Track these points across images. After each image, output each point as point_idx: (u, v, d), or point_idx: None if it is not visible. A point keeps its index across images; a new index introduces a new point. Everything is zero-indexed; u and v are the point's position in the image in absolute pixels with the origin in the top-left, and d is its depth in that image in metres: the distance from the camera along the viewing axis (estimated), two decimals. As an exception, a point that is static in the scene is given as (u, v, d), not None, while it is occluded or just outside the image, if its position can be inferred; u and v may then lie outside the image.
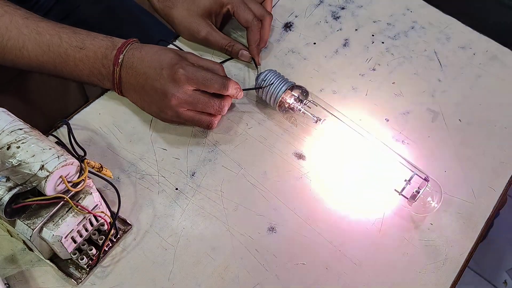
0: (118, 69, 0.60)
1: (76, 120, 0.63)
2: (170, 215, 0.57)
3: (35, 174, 0.45)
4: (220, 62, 0.69)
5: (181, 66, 0.58)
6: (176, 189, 0.59)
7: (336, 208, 0.60)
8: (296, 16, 0.77)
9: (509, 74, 0.74)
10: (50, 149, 0.47)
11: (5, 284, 0.49)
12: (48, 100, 1.26)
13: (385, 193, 0.61)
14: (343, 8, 0.79)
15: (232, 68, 0.70)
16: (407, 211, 0.60)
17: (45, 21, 0.60)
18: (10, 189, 0.45)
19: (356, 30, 0.76)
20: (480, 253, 1.52)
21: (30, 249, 0.52)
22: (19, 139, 0.47)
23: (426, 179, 0.59)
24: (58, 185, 0.47)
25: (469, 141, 0.67)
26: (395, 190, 0.59)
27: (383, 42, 0.75)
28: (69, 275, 0.52)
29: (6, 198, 0.44)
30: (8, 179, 0.45)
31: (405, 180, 0.59)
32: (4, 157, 0.46)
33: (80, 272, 0.52)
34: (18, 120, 0.49)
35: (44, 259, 0.51)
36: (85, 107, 0.64)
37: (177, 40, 0.71)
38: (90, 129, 0.62)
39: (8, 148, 0.46)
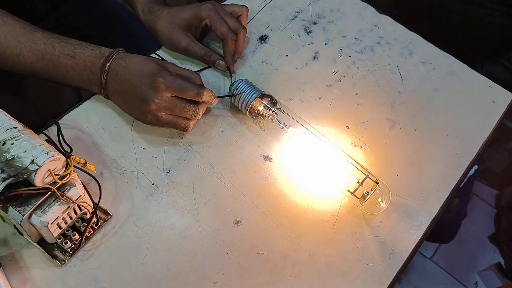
0: (105, 76, 0.67)
1: (65, 120, 0.70)
2: (146, 207, 0.64)
3: (26, 167, 0.52)
4: (198, 71, 0.76)
5: (161, 75, 0.64)
6: (153, 184, 0.66)
7: (297, 205, 0.67)
8: (271, 30, 0.84)
9: (464, 88, 0.82)
10: (40, 145, 0.54)
11: (-2, 263, 0.56)
12: (43, 99, 1.33)
13: (341, 193, 0.68)
14: (315, 23, 0.86)
15: (210, 76, 0.77)
16: (359, 209, 0.67)
17: (40, 31, 0.66)
18: (4, 179, 0.52)
19: (326, 44, 0.83)
20: (452, 255, 1.60)
21: (21, 234, 0.59)
22: (13, 136, 0.54)
23: (376, 182, 0.66)
24: (46, 177, 0.54)
25: (422, 148, 0.74)
26: (348, 190, 0.66)
27: (350, 56, 0.82)
28: (54, 257, 0.59)
29: (1, 187, 0.51)
30: (2, 171, 0.52)
31: (358, 182, 0.66)
32: (-1, 151, 0.53)
33: (64, 255, 0.59)
34: (13, 119, 0.56)
35: (33, 243, 0.58)
36: (74, 108, 0.71)
37: (160, 50, 0.78)
38: (78, 128, 0.69)
39: (3, 144, 0.53)
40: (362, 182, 0.66)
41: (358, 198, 0.65)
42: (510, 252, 1.59)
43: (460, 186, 1.18)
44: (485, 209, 1.72)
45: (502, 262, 1.60)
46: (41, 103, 1.33)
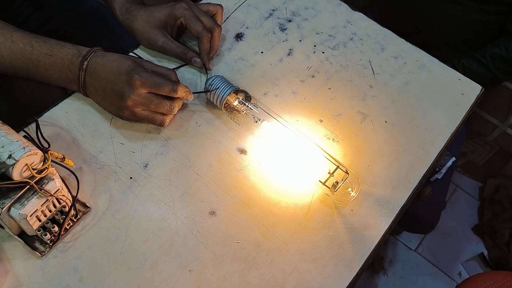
0: (83, 74, 0.69)
1: (46, 118, 0.72)
2: (124, 200, 0.66)
3: (4, 162, 0.54)
4: (175, 68, 0.79)
5: (136, 72, 0.67)
6: (131, 178, 0.68)
7: (270, 195, 0.69)
8: (247, 28, 0.86)
9: (434, 81, 0.84)
10: (17, 141, 0.56)
11: (-21, 255, 0.58)
12: (30, 99, 1.35)
13: (313, 183, 0.70)
14: (290, 21, 0.88)
15: (187, 73, 0.79)
16: (331, 199, 0.70)
17: (18, 31, 0.68)
18: (-18, 174, 0.54)
19: (300, 41, 0.86)
20: (436, 246, 1.63)
21: (1, 227, 0.61)
22: (-9, 132, 0.56)
23: (346, 172, 0.69)
24: (24, 172, 0.56)
25: (393, 139, 0.77)
26: (319, 181, 0.69)
27: (323, 52, 0.85)
28: (35, 248, 0.61)
29: (-21, 181, 0.53)
30: (-19, 166, 0.54)
31: (329, 173, 0.69)
32: (-22, 147, 0.55)
33: (44, 247, 0.61)
34: (-9, 117, 0.58)
35: (13, 235, 0.60)
36: (53, 106, 0.73)
37: (138, 48, 0.81)
38: (58, 125, 0.71)
39: (-18, 140, 0.55)
40: (332, 172, 0.69)
41: (329, 188, 0.68)
42: (492, 243, 1.63)
43: (439, 178, 1.21)
44: (469, 201, 1.75)
45: (485, 253, 1.64)
46: (29, 103, 1.35)
